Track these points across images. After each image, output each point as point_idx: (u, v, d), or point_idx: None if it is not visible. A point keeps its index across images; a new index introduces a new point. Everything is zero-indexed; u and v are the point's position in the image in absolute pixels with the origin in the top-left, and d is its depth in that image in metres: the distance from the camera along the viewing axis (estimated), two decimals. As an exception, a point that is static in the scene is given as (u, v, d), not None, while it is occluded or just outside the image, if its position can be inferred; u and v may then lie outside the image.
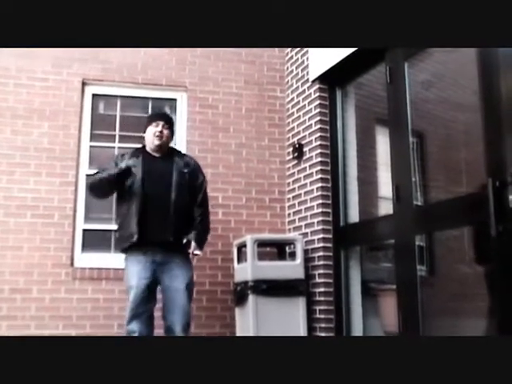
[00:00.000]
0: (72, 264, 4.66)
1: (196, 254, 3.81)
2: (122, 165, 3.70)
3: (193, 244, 3.72)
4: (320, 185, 4.58)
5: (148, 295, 3.59)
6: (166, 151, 3.93)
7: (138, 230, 3.59)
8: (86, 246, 4.79)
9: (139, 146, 4.05)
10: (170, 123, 3.95)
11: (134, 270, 3.60)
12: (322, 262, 4.47)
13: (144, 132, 3.94)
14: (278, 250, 4.82)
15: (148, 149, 3.90)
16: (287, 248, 4.78)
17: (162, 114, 4.04)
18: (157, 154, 3.89)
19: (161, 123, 3.86)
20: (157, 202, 3.66)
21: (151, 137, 3.85)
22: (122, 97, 5.15)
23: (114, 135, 5.07)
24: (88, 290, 4.60)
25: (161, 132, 3.84)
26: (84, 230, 4.81)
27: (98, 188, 3.79)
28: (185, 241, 3.70)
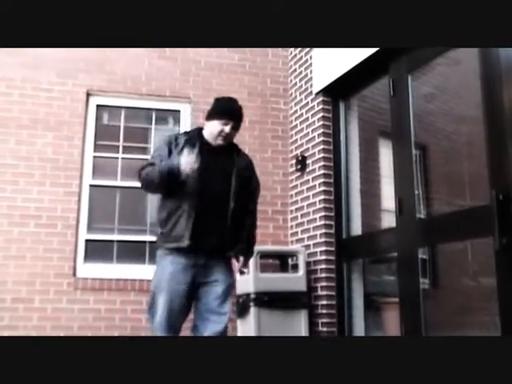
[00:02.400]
0: (74, 274, 4.66)
1: (243, 272, 3.53)
2: (175, 156, 3.16)
3: (241, 260, 3.31)
4: (323, 197, 4.58)
5: (186, 302, 3.13)
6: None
7: (191, 235, 3.09)
8: (88, 257, 4.79)
9: (194, 128, 3.54)
10: (239, 124, 3.38)
11: (173, 272, 3.10)
12: (324, 275, 4.46)
13: (207, 119, 3.35)
14: (281, 262, 4.81)
15: (207, 138, 3.32)
16: (290, 260, 4.78)
17: (235, 112, 3.36)
18: (215, 145, 3.31)
19: (230, 124, 3.28)
20: (213, 206, 3.17)
21: (215, 134, 3.27)
22: (126, 108, 5.17)
23: (118, 146, 5.08)
24: (90, 300, 4.60)
25: (228, 134, 3.29)
26: (86, 241, 4.81)
27: (150, 185, 3.23)
28: (232, 254, 3.28)
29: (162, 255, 3.19)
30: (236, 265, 3.31)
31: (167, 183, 3.11)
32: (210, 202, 3.16)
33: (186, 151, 3.14)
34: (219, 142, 3.29)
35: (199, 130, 3.39)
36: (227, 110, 3.35)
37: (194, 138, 3.30)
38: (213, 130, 3.28)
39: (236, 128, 3.33)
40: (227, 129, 3.26)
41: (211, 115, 3.32)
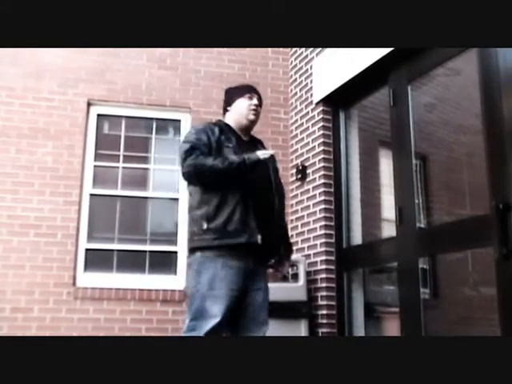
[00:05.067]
0: (74, 283, 4.65)
1: (285, 277, 3.22)
2: (213, 140, 2.94)
3: (286, 264, 3.12)
4: (323, 206, 4.58)
5: (234, 311, 2.83)
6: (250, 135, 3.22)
7: (250, 231, 2.81)
8: (88, 266, 4.79)
9: (216, 120, 3.28)
10: (261, 100, 3.24)
11: (227, 276, 2.77)
12: (324, 284, 4.44)
13: (228, 105, 3.19)
14: (281, 271, 4.80)
15: (236, 127, 3.14)
16: (290, 269, 4.76)
17: (254, 87, 3.26)
18: (245, 138, 3.16)
19: (255, 96, 3.16)
20: (261, 198, 2.92)
21: (245, 110, 3.10)
22: (126, 117, 5.19)
23: (119, 155, 5.09)
24: (89, 309, 4.59)
25: (257, 107, 3.14)
26: (86, 250, 4.81)
27: (204, 174, 2.84)
28: (273, 260, 3.05)
29: (210, 257, 2.82)
30: (279, 271, 3.16)
31: (233, 176, 2.84)
32: (257, 194, 2.91)
33: (232, 142, 2.97)
34: (252, 117, 3.13)
35: (223, 122, 3.16)
36: (247, 86, 3.29)
37: (226, 129, 3.08)
38: (241, 107, 3.12)
39: (260, 104, 3.20)
40: (255, 100, 3.14)
41: (234, 97, 3.18)
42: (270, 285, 4.40)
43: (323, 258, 4.49)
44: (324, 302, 4.42)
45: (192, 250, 2.91)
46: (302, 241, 4.86)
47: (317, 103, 4.83)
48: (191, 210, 2.97)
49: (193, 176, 2.88)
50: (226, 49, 5.36)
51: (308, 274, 4.54)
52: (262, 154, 2.87)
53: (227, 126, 3.12)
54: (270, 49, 5.48)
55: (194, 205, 2.95)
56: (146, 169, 5.15)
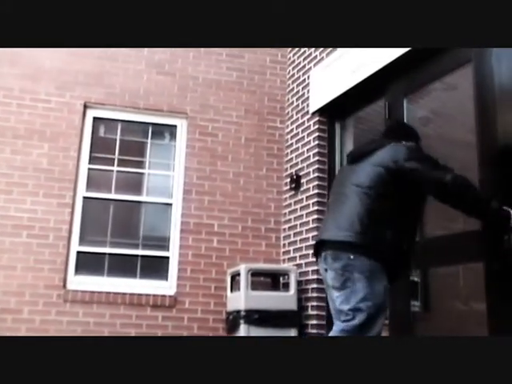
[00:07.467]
0: (64, 286, 4.64)
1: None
2: None
3: None
4: (316, 217, 4.58)
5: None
6: None
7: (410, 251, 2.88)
8: (79, 269, 4.77)
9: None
10: None
11: (385, 289, 2.74)
12: (315, 294, 4.44)
13: (411, 141, 3.12)
14: (272, 280, 4.80)
15: None
16: (281, 278, 4.77)
17: None
18: None
19: None
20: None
21: None
22: (122, 121, 5.19)
23: (113, 159, 5.09)
24: (79, 312, 4.57)
25: None
26: (78, 252, 4.79)
27: (467, 200, 2.75)
28: None
29: (378, 268, 2.71)
30: None
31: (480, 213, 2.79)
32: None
33: None
34: None
35: None
36: None
37: None
38: None
39: None
40: None
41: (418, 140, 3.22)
42: (261, 293, 4.42)
43: (315, 267, 4.48)
44: (314, 312, 4.42)
45: (362, 253, 2.71)
46: (294, 250, 4.86)
47: (313, 113, 4.85)
48: (376, 216, 2.75)
49: (457, 188, 2.72)
50: (224, 56, 5.38)
51: (299, 283, 4.54)
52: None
53: None
54: (268, 58, 5.51)
55: (382, 216, 2.77)
56: (141, 173, 5.15)
